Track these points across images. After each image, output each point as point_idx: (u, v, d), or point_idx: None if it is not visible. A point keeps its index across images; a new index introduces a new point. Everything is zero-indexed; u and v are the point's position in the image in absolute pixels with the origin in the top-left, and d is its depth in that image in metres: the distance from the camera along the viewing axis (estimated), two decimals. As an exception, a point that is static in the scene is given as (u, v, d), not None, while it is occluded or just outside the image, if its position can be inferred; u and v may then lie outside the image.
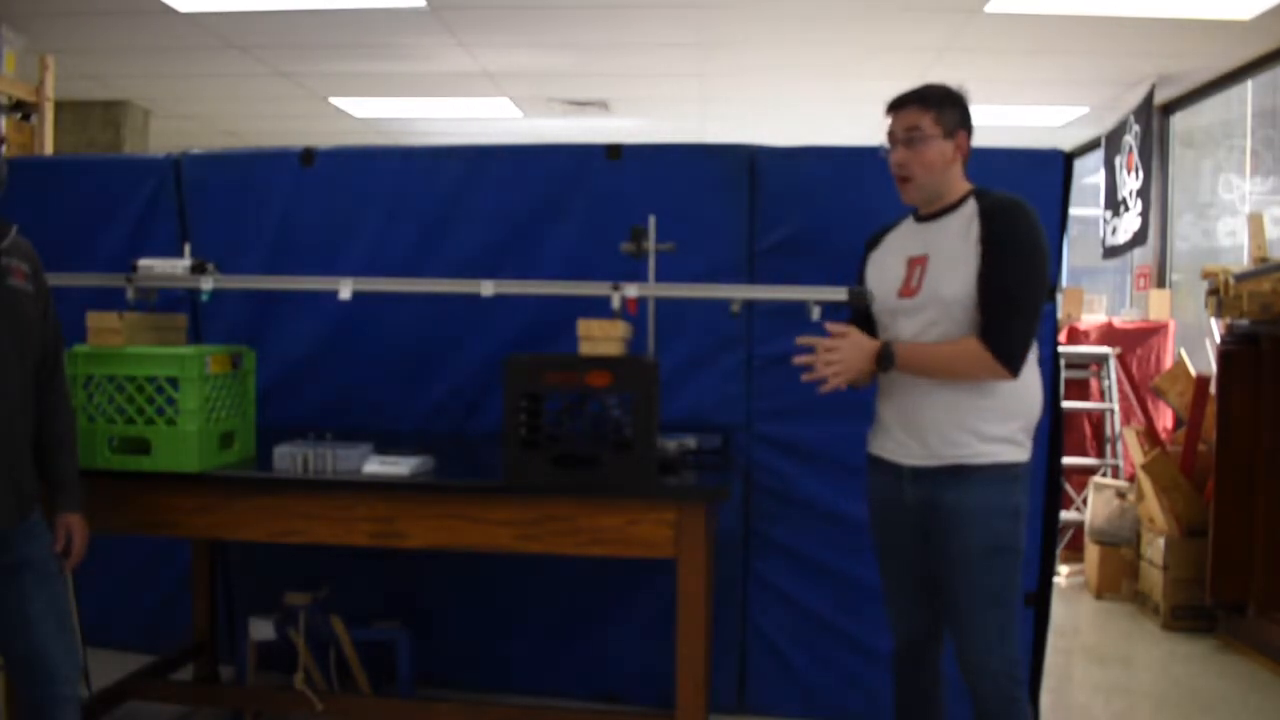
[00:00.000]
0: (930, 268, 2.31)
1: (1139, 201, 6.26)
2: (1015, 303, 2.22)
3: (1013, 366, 2.22)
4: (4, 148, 2.33)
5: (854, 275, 2.82)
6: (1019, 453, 2.29)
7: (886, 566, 2.50)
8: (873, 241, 2.54)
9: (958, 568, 2.29)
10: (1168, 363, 5.71)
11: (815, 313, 2.72)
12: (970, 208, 2.29)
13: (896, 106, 2.34)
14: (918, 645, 2.48)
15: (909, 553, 2.41)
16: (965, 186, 2.35)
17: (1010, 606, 2.28)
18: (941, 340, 2.28)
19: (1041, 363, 2.43)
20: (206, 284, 2.85)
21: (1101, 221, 6.89)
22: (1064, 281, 5.48)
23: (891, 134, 2.35)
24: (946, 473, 2.28)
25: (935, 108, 2.30)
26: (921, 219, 2.40)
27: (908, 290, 2.35)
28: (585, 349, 2.54)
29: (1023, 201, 2.27)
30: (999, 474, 2.26)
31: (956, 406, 2.27)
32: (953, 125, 2.31)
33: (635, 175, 3.28)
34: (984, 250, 2.22)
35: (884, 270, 2.43)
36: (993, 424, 2.26)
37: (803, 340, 2.34)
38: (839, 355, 2.28)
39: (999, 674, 2.26)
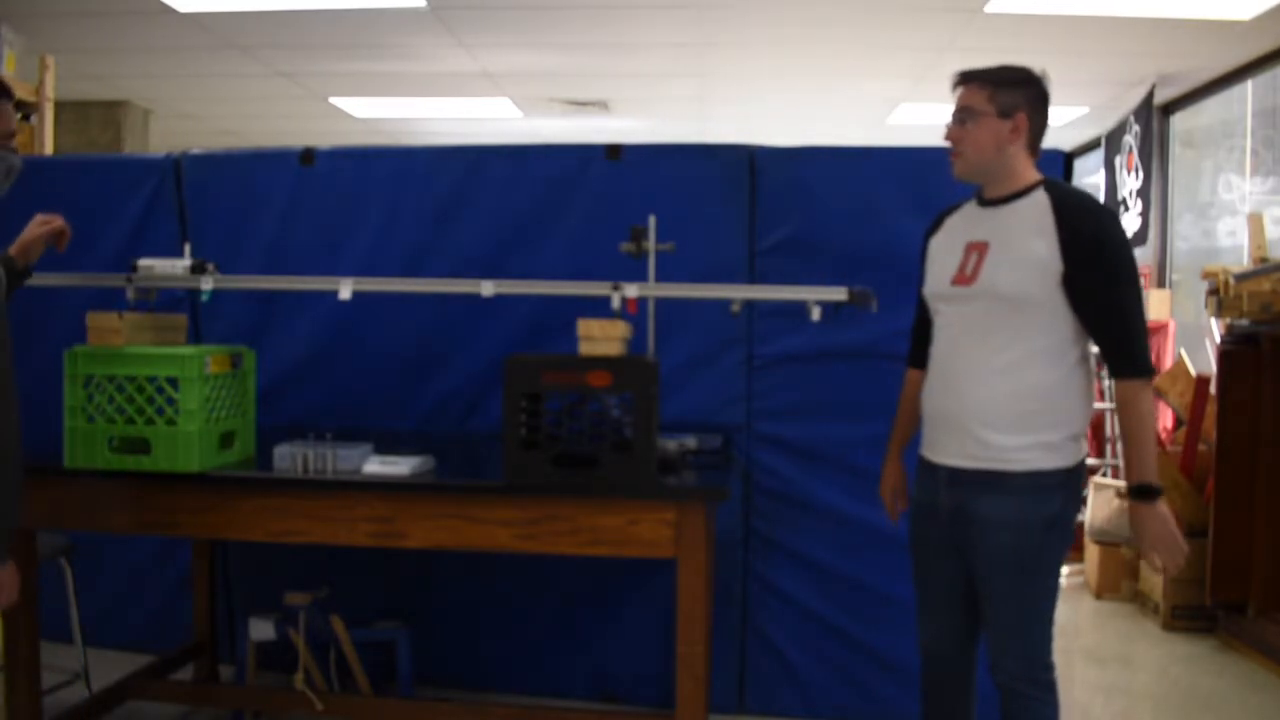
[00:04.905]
0: (990, 257, 2.22)
1: (1139, 201, 6.27)
2: (1134, 322, 2.16)
3: (1150, 375, 2.17)
4: (15, 140, 2.30)
5: (854, 275, 2.82)
6: (1059, 458, 2.19)
7: (919, 571, 2.44)
8: (932, 227, 2.45)
9: (985, 577, 2.26)
10: (1168, 363, 5.71)
11: (815, 313, 2.72)
12: (1041, 200, 2.19)
13: (953, 86, 2.28)
14: (945, 655, 2.41)
15: (941, 559, 2.35)
16: (1033, 174, 2.26)
17: (1037, 612, 2.25)
18: (990, 332, 2.20)
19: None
20: (206, 284, 2.85)
21: (1101, 221, 6.88)
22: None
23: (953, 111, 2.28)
24: (980, 479, 2.22)
25: (992, 86, 2.22)
26: (985, 203, 2.30)
27: (961, 278, 2.26)
28: (585, 349, 2.53)
29: (1099, 201, 2.23)
30: (1034, 482, 2.18)
31: (995, 407, 2.20)
32: (1010, 105, 2.22)
33: (635, 175, 3.28)
34: (1075, 269, 2.12)
35: (941, 255, 2.35)
36: (1035, 430, 2.18)
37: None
38: (1165, 548, 2.17)
39: (1019, 677, 2.24)
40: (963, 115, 2.24)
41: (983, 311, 2.22)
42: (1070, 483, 2.23)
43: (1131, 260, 2.19)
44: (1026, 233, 2.18)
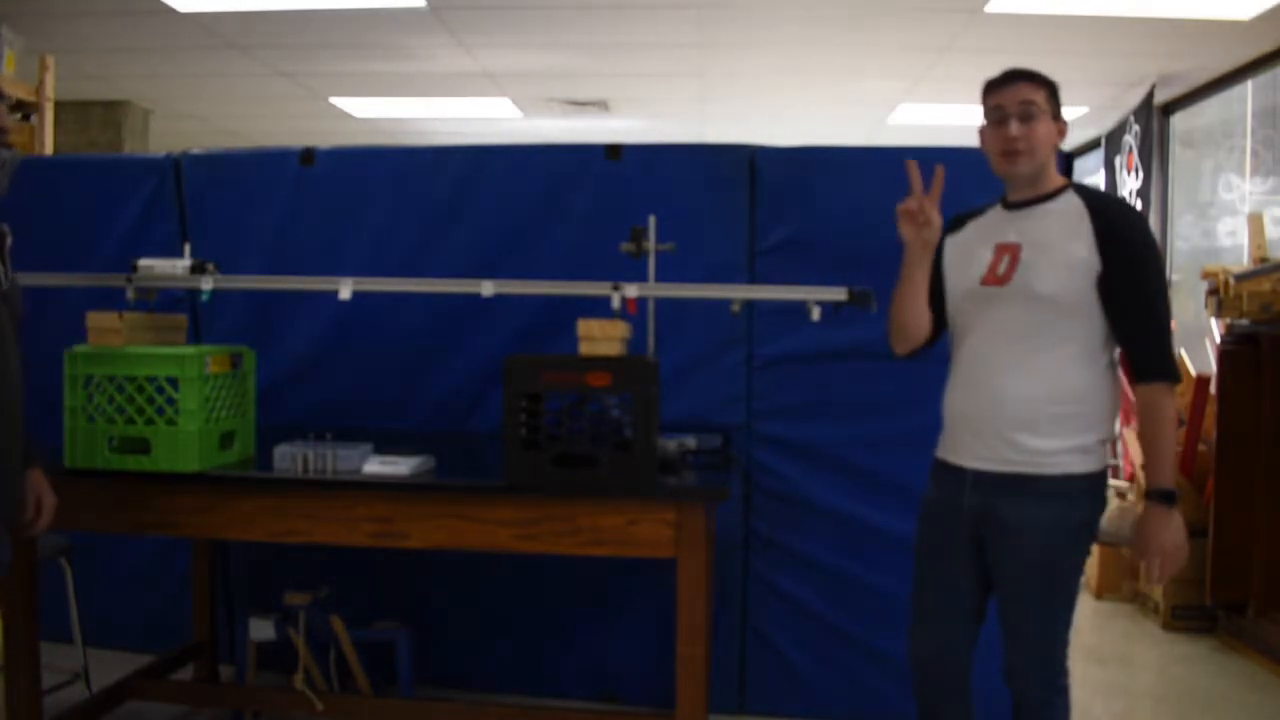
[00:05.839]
0: (1025, 258, 2.19)
1: (1139, 201, 6.26)
2: (1165, 326, 2.17)
3: (1175, 380, 2.18)
4: (8, 136, 2.29)
5: (855, 274, 2.82)
6: (1091, 462, 2.19)
7: (924, 575, 2.38)
8: (953, 225, 2.40)
9: (1011, 583, 2.23)
10: (1168, 363, 5.70)
11: (815, 313, 2.72)
12: (1073, 203, 2.20)
13: (1004, 83, 2.22)
14: (947, 664, 2.35)
15: (955, 564, 2.30)
16: (1059, 177, 2.26)
17: (1059, 618, 2.23)
18: (1024, 334, 2.18)
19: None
20: (206, 284, 2.85)
21: (1102, 221, 6.88)
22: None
23: (998, 108, 2.21)
24: (1009, 482, 2.18)
25: (1047, 87, 2.22)
26: (1012, 206, 2.28)
27: (993, 278, 2.23)
28: (585, 349, 2.53)
29: (1129, 203, 2.25)
30: (1065, 486, 2.16)
31: (1030, 410, 2.17)
32: (1059, 108, 2.24)
33: (635, 175, 3.28)
34: (1112, 268, 2.12)
35: (967, 255, 2.30)
36: (1069, 433, 2.16)
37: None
38: (1170, 558, 2.18)
39: (1036, 683, 2.23)
40: (1028, 110, 2.19)
41: (1016, 313, 2.19)
42: (1098, 487, 2.22)
43: (1162, 265, 2.20)
44: (1063, 234, 2.17)
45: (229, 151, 3.65)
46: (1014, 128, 2.19)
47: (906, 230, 2.27)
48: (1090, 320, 2.17)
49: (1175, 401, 2.21)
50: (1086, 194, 2.22)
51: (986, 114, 2.26)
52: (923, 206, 2.24)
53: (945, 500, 2.31)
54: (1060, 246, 2.16)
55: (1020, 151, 2.20)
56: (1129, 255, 2.13)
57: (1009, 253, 2.23)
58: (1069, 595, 2.25)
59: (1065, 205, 2.21)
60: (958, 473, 2.28)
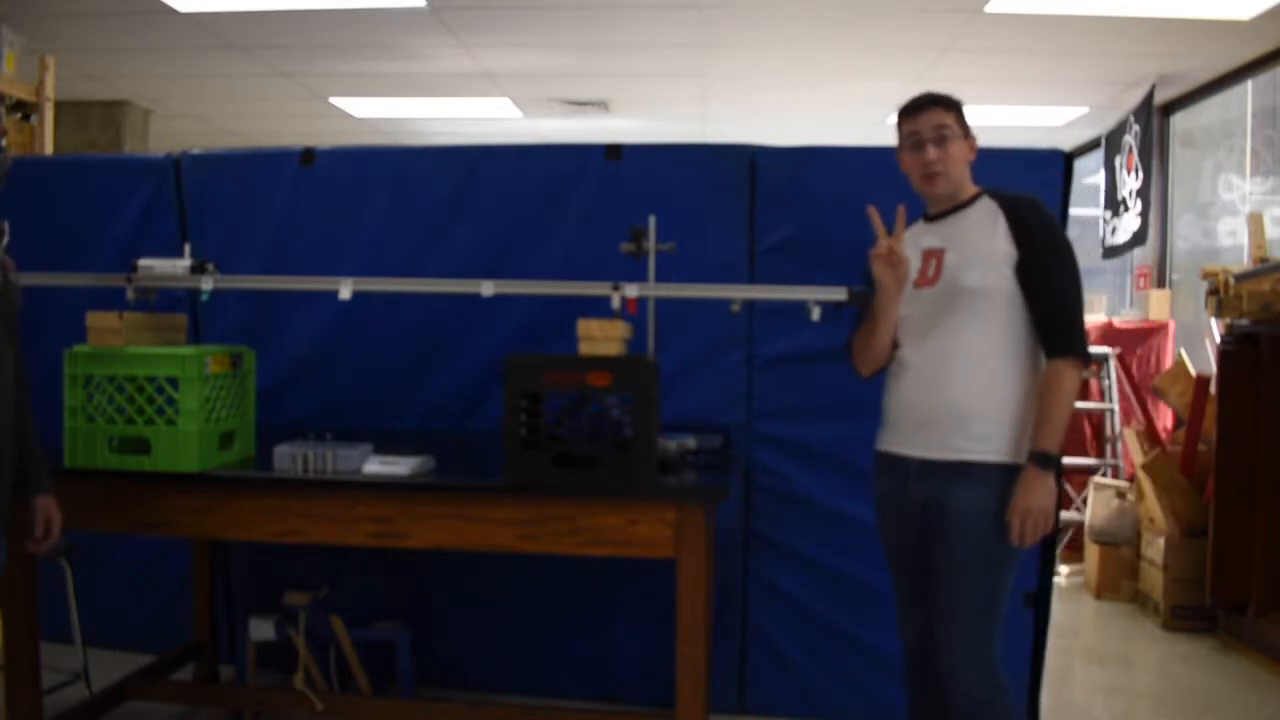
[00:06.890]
0: (949, 259, 2.35)
1: (1139, 201, 6.27)
2: (1071, 305, 2.30)
3: (1086, 359, 2.31)
4: (4, 140, 2.29)
5: (854, 274, 2.82)
6: (1020, 454, 2.27)
7: (894, 568, 2.50)
8: None
9: (949, 567, 2.29)
10: (1168, 363, 5.71)
11: (815, 313, 2.73)
12: (987, 205, 2.36)
13: (919, 109, 2.39)
14: (923, 644, 2.42)
15: (915, 553, 2.39)
16: (974, 187, 2.43)
17: (996, 608, 2.29)
18: (957, 327, 2.31)
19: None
20: (206, 284, 2.85)
21: (1101, 221, 6.89)
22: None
23: (914, 134, 2.39)
24: (951, 469, 2.28)
25: (956, 110, 2.40)
26: (932, 218, 2.45)
27: (924, 280, 2.39)
28: (585, 349, 2.54)
29: (1038, 198, 2.37)
30: (1003, 474, 2.26)
31: (969, 400, 2.29)
32: (966, 126, 2.41)
33: (635, 175, 3.28)
34: (1025, 255, 2.27)
35: None
36: (1005, 420, 2.28)
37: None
38: (1035, 519, 2.22)
39: (971, 675, 2.26)
40: (942, 134, 2.36)
41: (948, 307, 2.33)
42: None
43: (1072, 255, 2.34)
44: (982, 232, 2.33)
45: (229, 151, 3.65)
46: (930, 152, 2.37)
47: (881, 272, 2.40)
48: (1014, 310, 2.30)
49: (1079, 377, 2.32)
50: (998, 196, 2.39)
51: (902, 139, 2.42)
52: (892, 248, 2.37)
53: (893, 494, 2.43)
54: (979, 244, 2.32)
55: (938, 174, 2.38)
56: (1040, 242, 2.29)
57: (934, 257, 2.39)
58: (1002, 588, 2.30)
59: (981, 208, 2.37)
60: (902, 463, 2.39)
